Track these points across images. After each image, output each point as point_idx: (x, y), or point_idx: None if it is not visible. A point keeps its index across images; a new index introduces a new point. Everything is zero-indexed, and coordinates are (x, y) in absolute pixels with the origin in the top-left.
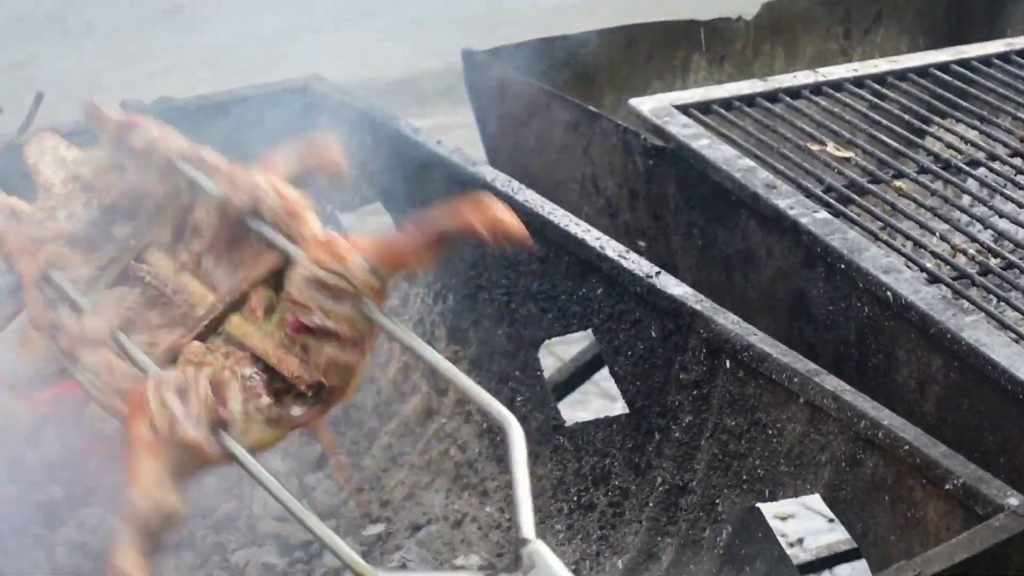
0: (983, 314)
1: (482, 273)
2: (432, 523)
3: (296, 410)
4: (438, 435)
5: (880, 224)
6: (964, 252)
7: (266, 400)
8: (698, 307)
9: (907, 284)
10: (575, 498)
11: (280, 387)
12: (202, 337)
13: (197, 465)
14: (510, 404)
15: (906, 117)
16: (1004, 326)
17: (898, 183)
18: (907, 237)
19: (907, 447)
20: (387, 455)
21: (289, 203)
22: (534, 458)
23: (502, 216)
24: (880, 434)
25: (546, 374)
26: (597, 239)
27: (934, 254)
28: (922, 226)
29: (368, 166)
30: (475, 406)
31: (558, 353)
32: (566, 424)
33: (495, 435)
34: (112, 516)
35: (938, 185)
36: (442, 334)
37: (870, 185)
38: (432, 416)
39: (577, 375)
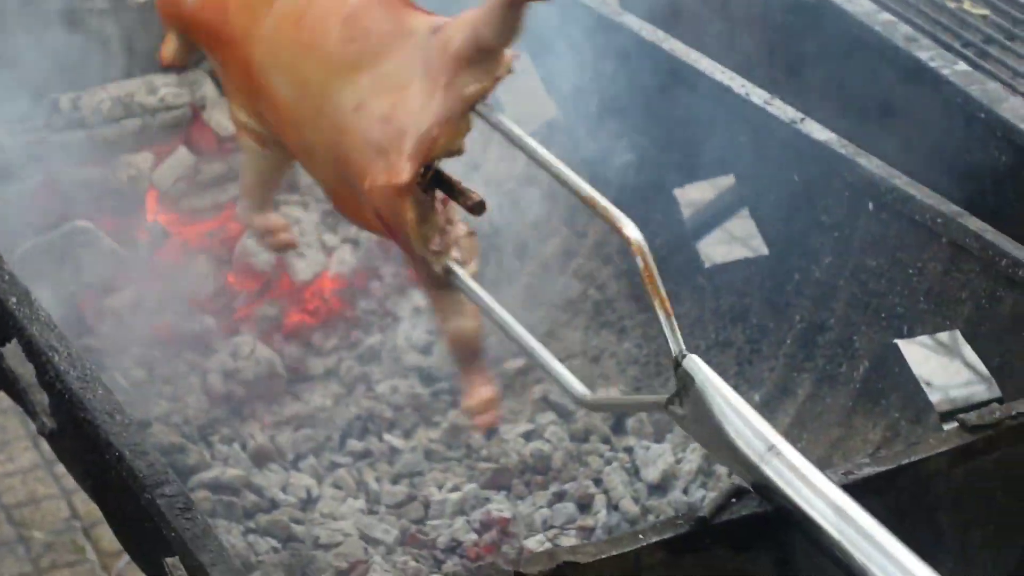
0: None
1: (617, 118)
2: (572, 358)
3: None
4: (577, 275)
5: (1018, 77)
6: None
7: None
8: (842, 151)
9: None
10: (712, 335)
11: None
12: None
13: None
14: (651, 245)
15: None
16: None
17: None
18: None
19: None
20: (527, 294)
21: None
22: (674, 297)
23: None
24: (1021, 272)
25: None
26: (742, 86)
27: None
28: None
29: None
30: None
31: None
32: (705, 265)
33: (633, 276)
34: (262, 346)
35: None
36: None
37: (1006, 41)
38: (571, 257)
39: (711, 221)
